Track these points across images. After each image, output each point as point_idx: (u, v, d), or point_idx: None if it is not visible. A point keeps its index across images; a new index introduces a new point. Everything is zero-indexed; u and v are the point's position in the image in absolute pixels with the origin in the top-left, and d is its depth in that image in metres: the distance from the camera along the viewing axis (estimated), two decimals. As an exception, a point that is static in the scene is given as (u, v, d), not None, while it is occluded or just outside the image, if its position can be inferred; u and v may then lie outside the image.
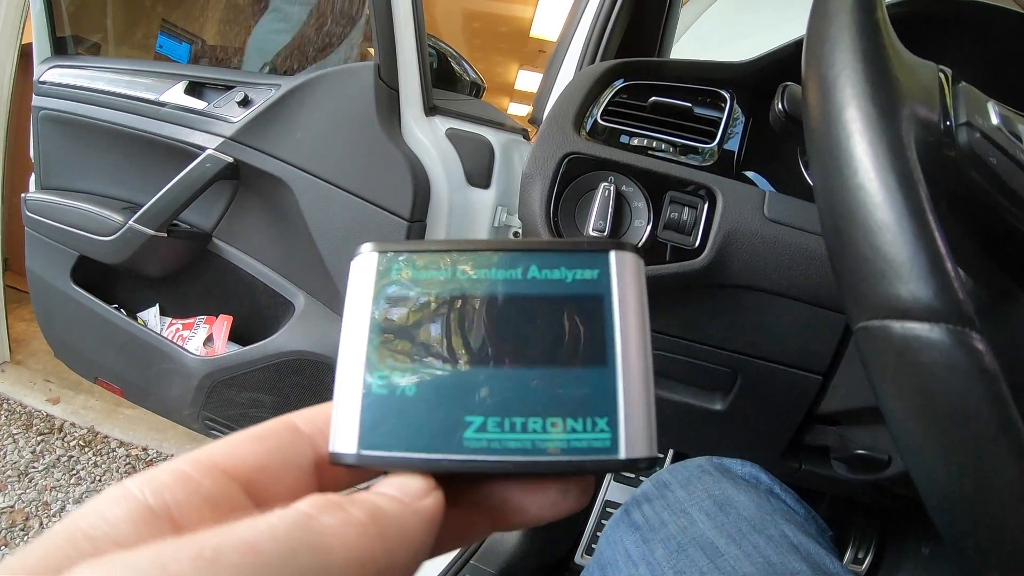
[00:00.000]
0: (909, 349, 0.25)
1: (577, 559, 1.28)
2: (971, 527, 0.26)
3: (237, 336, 1.49)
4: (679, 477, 0.58)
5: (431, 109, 1.29)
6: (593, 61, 0.99)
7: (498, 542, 1.20)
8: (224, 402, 1.45)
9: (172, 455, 1.85)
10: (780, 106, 0.53)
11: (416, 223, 1.21)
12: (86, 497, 1.65)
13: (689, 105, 0.68)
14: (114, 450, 1.87)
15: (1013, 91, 0.48)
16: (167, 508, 0.17)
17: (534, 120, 0.98)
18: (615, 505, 1.25)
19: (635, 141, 0.66)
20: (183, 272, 1.52)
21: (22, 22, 1.94)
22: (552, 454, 0.20)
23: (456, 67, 1.70)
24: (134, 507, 0.17)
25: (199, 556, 0.14)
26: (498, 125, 1.34)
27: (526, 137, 1.47)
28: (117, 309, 1.51)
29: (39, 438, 1.85)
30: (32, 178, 1.59)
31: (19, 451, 1.79)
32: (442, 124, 1.30)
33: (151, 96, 1.39)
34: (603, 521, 1.25)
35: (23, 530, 1.55)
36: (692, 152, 0.65)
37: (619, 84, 0.71)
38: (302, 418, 0.21)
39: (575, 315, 0.21)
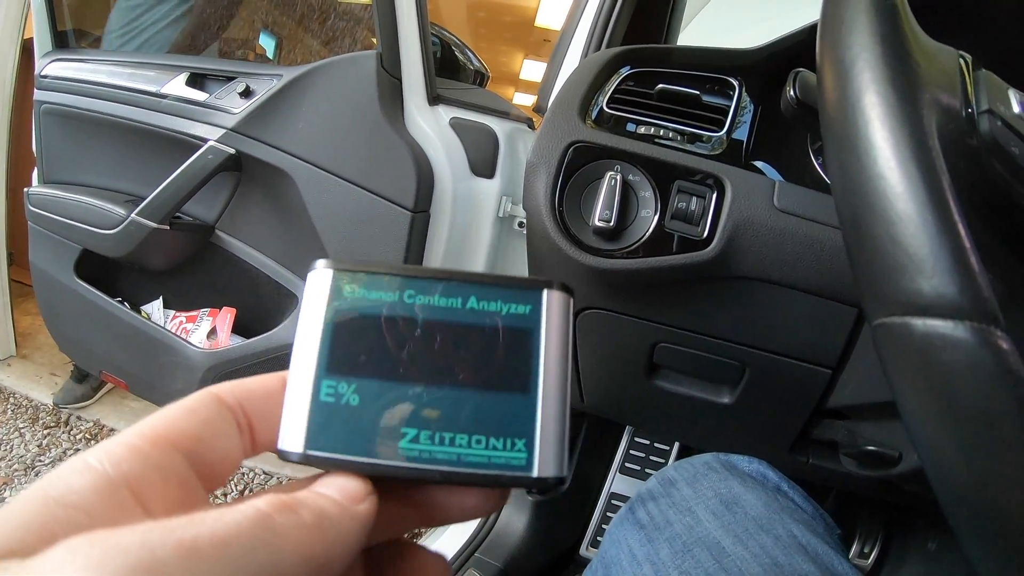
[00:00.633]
0: (931, 348, 0.24)
1: (582, 551, 1.27)
2: (992, 534, 0.25)
3: (241, 328, 1.49)
4: (685, 475, 0.57)
5: (435, 98, 1.28)
6: (598, 49, 0.98)
7: (503, 535, 1.20)
8: (228, 395, 1.43)
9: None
10: (792, 92, 0.52)
11: (420, 213, 1.19)
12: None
13: (697, 93, 0.67)
14: (120, 442, 1.86)
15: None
16: (125, 479, 0.19)
17: (539, 109, 0.97)
18: (620, 497, 1.25)
19: (642, 129, 0.64)
20: (186, 265, 1.51)
21: (24, 17, 1.93)
22: (474, 467, 0.22)
23: (460, 56, 1.68)
24: (96, 478, 0.18)
25: (180, 545, 0.16)
26: (503, 114, 1.33)
27: (531, 126, 1.46)
28: (120, 302, 1.51)
29: (45, 431, 1.85)
30: (35, 172, 1.58)
31: (25, 445, 1.79)
32: (446, 113, 1.28)
33: (152, 88, 1.38)
34: (609, 514, 1.25)
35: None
36: (700, 141, 0.64)
37: (625, 71, 0.70)
38: (223, 391, 0.23)
39: (505, 345, 0.23)
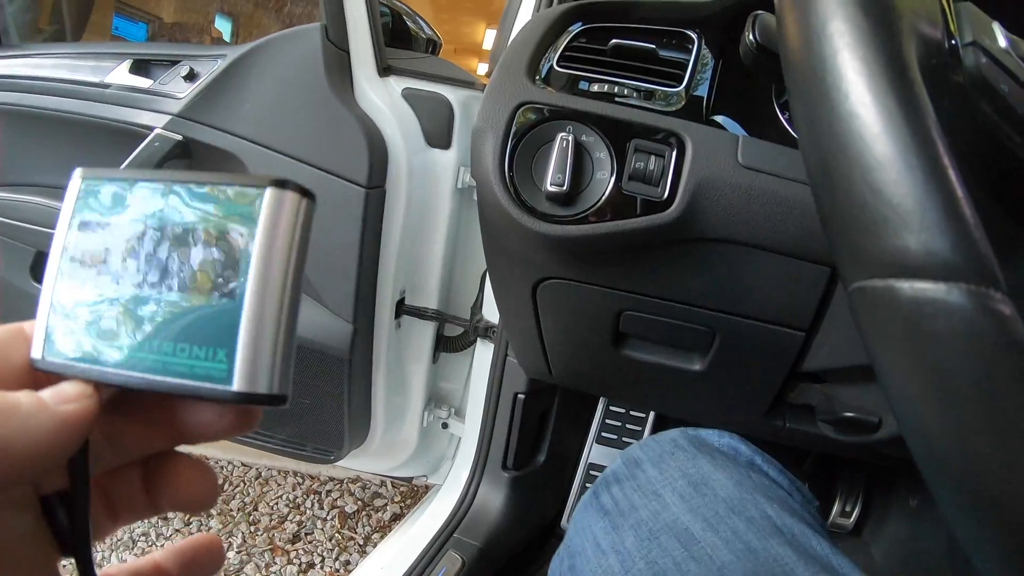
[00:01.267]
0: (921, 315, 0.20)
1: (564, 524, 1.26)
2: (991, 520, 0.21)
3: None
4: (651, 454, 0.54)
5: (385, 69, 1.23)
6: (550, 5, 0.92)
7: (481, 513, 1.18)
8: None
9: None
10: (751, 37, 0.48)
11: (375, 189, 1.15)
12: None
13: (653, 47, 0.63)
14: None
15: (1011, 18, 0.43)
16: None
17: (491, 74, 0.92)
18: (598, 467, 1.23)
19: (595, 87, 0.60)
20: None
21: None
22: (176, 377, 0.22)
23: (411, 24, 1.62)
24: None
25: None
26: (457, 82, 1.28)
27: (487, 93, 1.40)
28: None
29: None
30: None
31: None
32: (398, 84, 1.24)
33: (96, 79, 1.32)
34: (588, 484, 1.23)
35: None
36: (657, 98, 0.60)
37: (577, 28, 0.65)
38: (30, 324, 0.24)
39: (220, 249, 0.22)
